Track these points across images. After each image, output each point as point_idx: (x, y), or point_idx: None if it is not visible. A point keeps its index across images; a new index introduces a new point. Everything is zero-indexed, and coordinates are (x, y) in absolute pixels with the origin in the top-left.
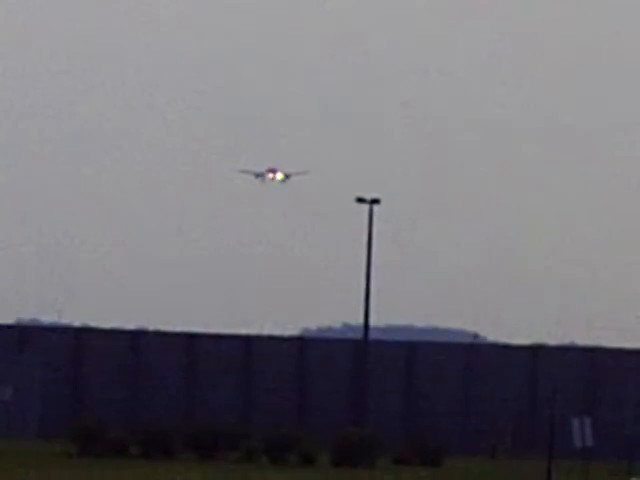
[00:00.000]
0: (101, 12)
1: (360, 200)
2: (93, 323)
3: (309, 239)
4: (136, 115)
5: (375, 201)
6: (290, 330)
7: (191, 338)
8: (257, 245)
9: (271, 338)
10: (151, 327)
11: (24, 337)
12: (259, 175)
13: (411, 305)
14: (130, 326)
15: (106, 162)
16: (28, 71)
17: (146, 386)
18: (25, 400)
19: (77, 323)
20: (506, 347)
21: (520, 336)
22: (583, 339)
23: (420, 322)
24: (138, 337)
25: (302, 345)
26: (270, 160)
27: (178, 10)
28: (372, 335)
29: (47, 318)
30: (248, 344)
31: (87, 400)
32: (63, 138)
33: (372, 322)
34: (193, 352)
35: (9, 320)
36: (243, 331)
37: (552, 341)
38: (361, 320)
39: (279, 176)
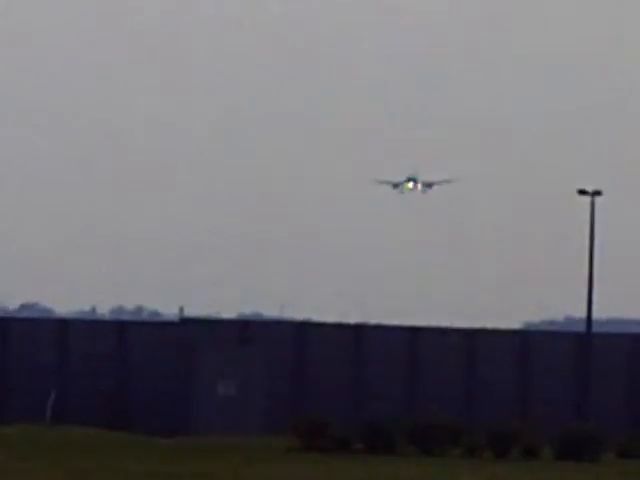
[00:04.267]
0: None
1: (582, 192)
2: (315, 317)
3: (533, 232)
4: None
5: (597, 193)
6: (513, 323)
7: (414, 332)
8: (485, 236)
9: (493, 331)
10: (373, 321)
11: (247, 332)
12: (398, 185)
13: (635, 297)
14: (352, 320)
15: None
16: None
17: (369, 380)
18: (249, 395)
19: (299, 317)
20: None
21: None
22: None
23: None
24: (360, 331)
25: (524, 338)
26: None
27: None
28: (595, 328)
29: (269, 312)
30: (470, 338)
31: (311, 395)
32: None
33: (595, 315)
34: (416, 345)
35: (232, 315)
36: (465, 324)
37: None
38: (584, 313)
39: (419, 185)
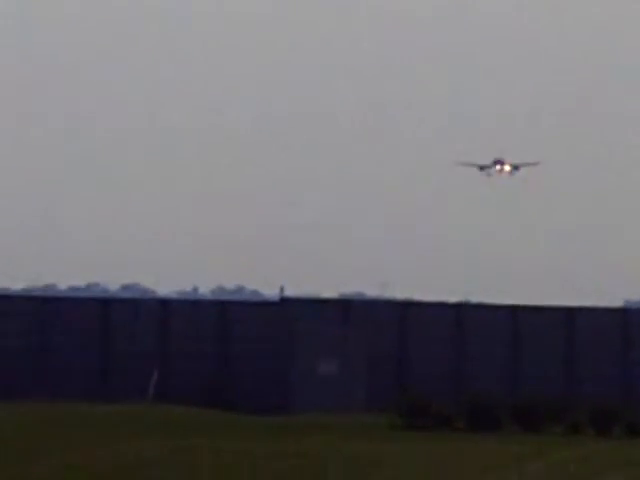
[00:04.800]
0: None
1: None
2: (417, 296)
3: (630, 211)
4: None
5: None
6: (613, 301)
7: (514, 310)
8: (581, 217)
9: (593, 309)
10: (474, 300)
11: (349, 311)
12: (484, 168)
13: None
14: (454, 299)
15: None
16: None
17: (471, 359)
18: (350, 374)
19: (400, 296)
20: None
21: None
22: None
23: None
24: (461, 310)
25: (625, 316)
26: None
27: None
28: None
29: (371, 292)
30: (570, 316)
31: (412, 373)
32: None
33: None
34: (516, 324)
35: (334, 294)
36: (566, 303)
37: None
38: None
39: (507, 168)
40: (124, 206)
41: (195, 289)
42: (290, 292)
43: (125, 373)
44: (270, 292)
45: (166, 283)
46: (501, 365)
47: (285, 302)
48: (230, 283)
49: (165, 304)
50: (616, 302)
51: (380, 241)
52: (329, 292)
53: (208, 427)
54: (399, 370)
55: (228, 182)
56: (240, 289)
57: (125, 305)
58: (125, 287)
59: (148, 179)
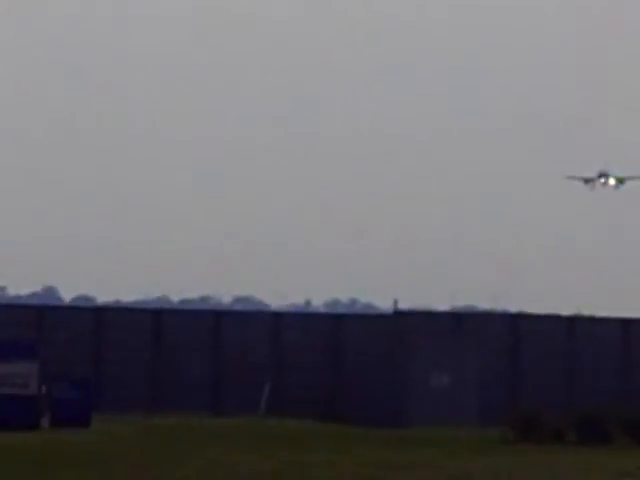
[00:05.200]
0: None
1: None
2: (528, 309)
3: None
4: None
5: None
6: None
7: (626, 324)
8: None
9: None
10: (587, 312)
11: (461, 323)
12: (589, 181)
13: None
14: (565, 312)
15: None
16: None
17: (582, 372)
18: (463, 387)
19: (512, 309)
20: None
21: None
22: None
23: None
24: (573, 323)
25: None
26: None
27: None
28: None
29: (480, 304)
30: None
31: (524, 386)
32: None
33: None
34: (627, 337)
35: (445, 307)
36: None
37: None
38: None
39: (611, 181)
40: (237, 220)
41: (308, 302)
42: (403, 305)
43: (237, 385)
44: (384, 305)
45: (279, 296)
46: (613, 378)
47: (398, 315)
48: (344, 296)
49: (278, 317)
50: None
51: (492, 253)
52: (441, 305)
53: (321, 440)
54: (511, 383)
55: (345, 195)
56: (354, 302)
57: (238, 318)
58: (238, 300)
59: (263, 192)
